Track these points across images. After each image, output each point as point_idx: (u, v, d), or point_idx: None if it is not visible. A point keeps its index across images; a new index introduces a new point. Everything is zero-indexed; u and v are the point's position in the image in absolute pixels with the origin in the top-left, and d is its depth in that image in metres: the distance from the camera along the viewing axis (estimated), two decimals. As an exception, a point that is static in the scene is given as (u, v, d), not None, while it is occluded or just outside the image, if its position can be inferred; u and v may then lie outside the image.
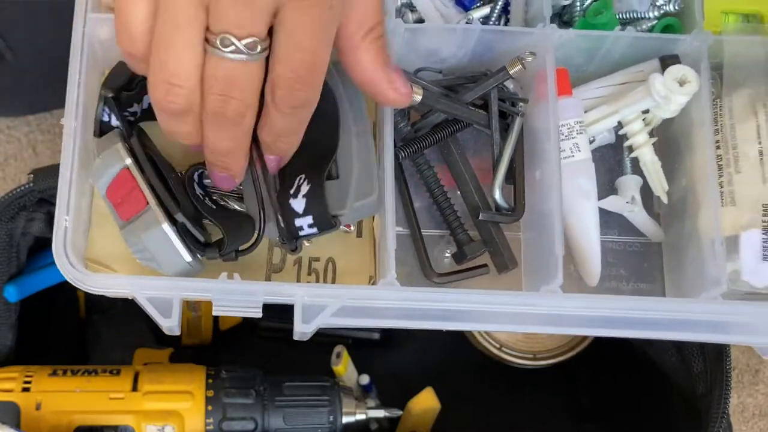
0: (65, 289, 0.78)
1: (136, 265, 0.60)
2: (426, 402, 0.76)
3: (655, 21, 0.69)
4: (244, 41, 0.50)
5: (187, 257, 0.58)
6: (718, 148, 0.66)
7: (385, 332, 0.87)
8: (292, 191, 0.60)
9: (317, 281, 0.65)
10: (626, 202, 0.68)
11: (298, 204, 0.59)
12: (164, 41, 0.51)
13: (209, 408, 0.70)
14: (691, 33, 0.66)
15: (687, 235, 0.66)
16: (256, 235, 0.59)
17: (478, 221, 0.66)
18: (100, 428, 0.69)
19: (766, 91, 0.66)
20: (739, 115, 0.66)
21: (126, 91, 0.60)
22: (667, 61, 0.67)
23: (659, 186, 0.67)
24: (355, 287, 0.61)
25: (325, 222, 0.60)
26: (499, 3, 0.68)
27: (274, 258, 0.65)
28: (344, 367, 0.76)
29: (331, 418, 0.71)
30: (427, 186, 0.68)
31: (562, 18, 0.69)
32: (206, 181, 0.63)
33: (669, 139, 0.69)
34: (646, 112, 0.68)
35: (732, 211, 0.64)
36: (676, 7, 0.68)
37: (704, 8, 0.66)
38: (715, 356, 0.69)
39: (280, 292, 0.59)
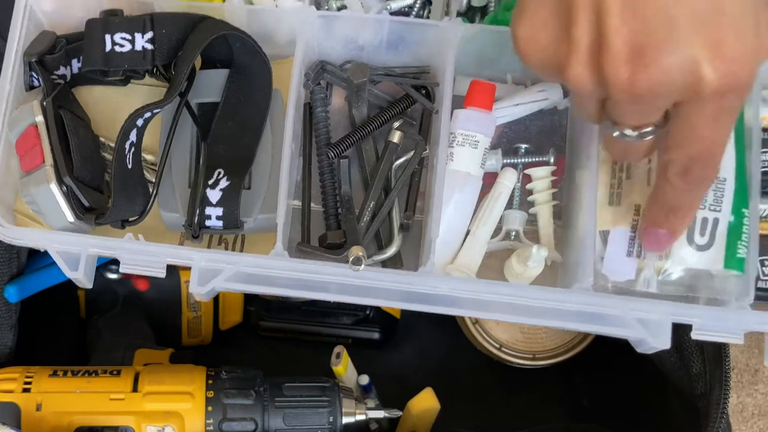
0: (65, 289, 0.78)
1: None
2: (426, 402, 0.76)
3: None
4: (638, 131, 0.52)
5: (70, 217, 0.62)
6: None
7: (385, 332, 0.87)
8: (210, 182, 0.64)
9: (226, 249, 0.70)
10: (508, 241, 0.69)
11: (213, 195, 0.64)
12: None
13: (209, 409, 0.70)
14: None
15: (573, 230, 0.67)
16: (141, 211, 0.64)
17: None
18: (101, 429, 0.69)
19: None
20: None
21: (49, 54, 0.65)
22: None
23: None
24: (248, 255, 0.65)
25: (233, 219, 0.64)
26: None
27: None
28: (344, 367, 0.76)
29: (331, 419, 0.71)
30: (319, 169, 0.69)
31: (486, 11, 0.71)
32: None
33: (573, 137, 0.70)
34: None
35: (612, 210, 0.65)
36: None
37: None
38: (714, 356, 0.69)
39: (179, 255, 0.63)
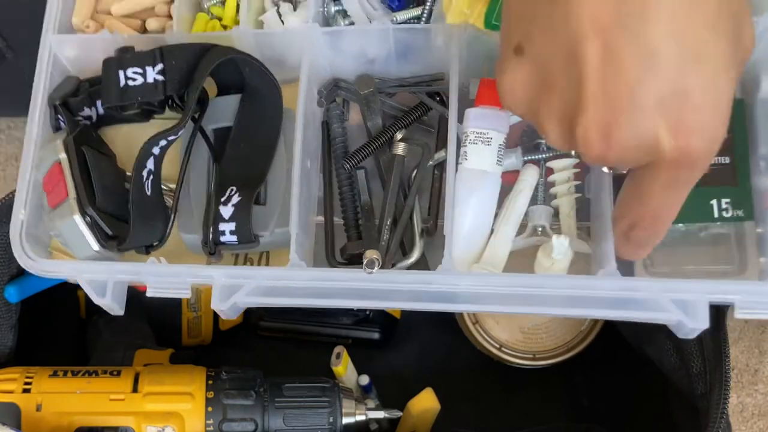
0: (65, 289, 0.78)
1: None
2: (426, 402, 0.76)
3: None
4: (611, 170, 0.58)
5: (95, 246, 0.64)
6: None
7: (385, 332, 0.87)
8: (223, 199, 0.66)
9: None
10: (535, 237, 0.68)
11: (226, 211, 0.66)
12: None
13: (209, 409, 0.70)
14: None
15: (600, 222, 0.65)
16: (162, 236, 0.66)
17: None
18: (101, 429, 0.69)
19: None
20: None
21: (73, 97, 0.68)
22: None
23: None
24: (266, 268, 0.67)
25: (246, 233, 0.65)
26: (428, 3, 0.69)
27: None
28: (344, 367, 0.76)
29: (331, 419, 0.71)
30: (338, 182, 0.69)
31: None
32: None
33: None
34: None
35: None
36: None
37: None
38: (714, 356, 0.69)
39: (200, 273, 0.65)
